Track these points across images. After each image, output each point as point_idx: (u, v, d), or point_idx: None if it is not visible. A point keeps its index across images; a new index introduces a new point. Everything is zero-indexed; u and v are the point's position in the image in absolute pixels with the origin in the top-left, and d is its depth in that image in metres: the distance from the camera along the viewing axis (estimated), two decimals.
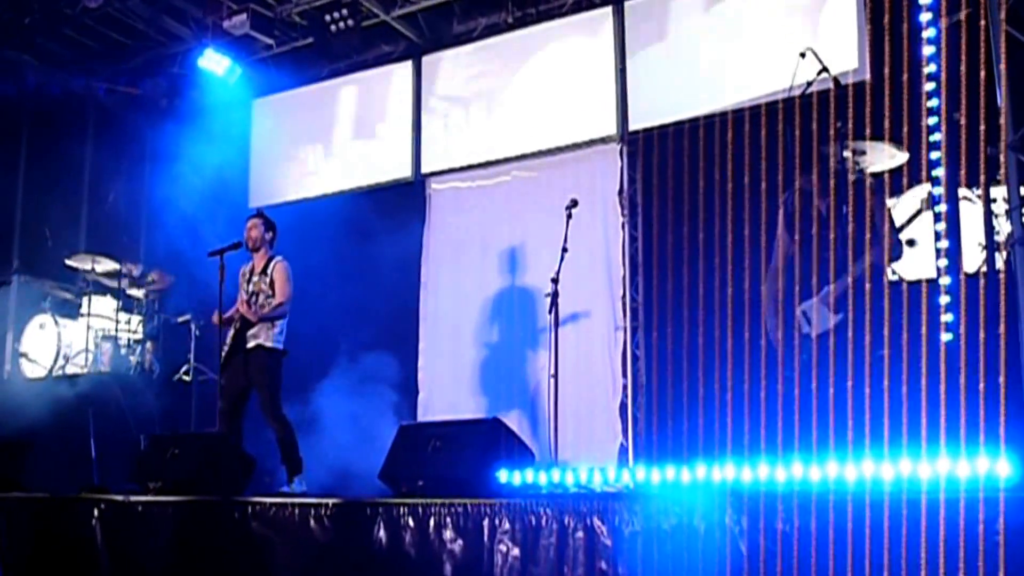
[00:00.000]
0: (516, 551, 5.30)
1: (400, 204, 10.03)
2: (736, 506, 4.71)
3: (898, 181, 6.56)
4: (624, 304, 8.42)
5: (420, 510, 5.72)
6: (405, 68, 10.19)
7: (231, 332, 7.79)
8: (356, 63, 10.64)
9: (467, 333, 9.29)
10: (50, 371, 10.37)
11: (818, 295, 5.65)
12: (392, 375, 9.24)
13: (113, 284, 10.74)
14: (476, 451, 6.26)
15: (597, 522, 5.09)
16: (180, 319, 10.34)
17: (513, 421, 7.14)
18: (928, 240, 5.95)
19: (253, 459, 7.40)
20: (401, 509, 5.79)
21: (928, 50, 5.71)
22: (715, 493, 4.83)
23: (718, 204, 5.69)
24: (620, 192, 8.65)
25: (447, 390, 9.26)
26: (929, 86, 5.67)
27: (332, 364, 9.25)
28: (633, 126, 8.71)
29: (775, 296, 5.83)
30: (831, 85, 6.10)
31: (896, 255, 5.92)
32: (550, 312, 7.07)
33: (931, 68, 5.66)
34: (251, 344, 7.69)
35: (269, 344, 7.69)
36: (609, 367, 8.42)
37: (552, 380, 6.92)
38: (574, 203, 7.35)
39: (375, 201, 10.14)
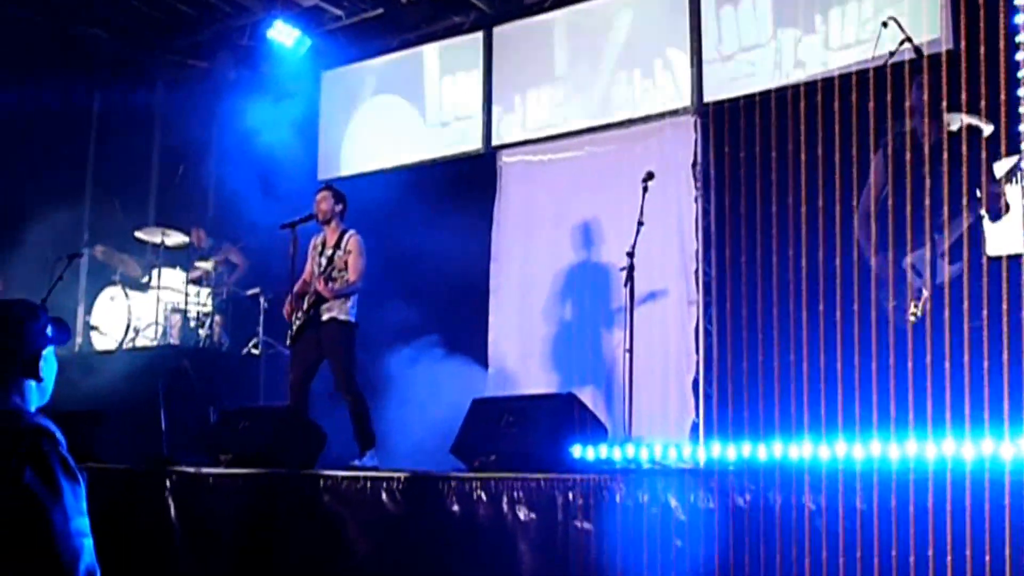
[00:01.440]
0: (589, 527, 5.36)
1: (471, 177, 10.08)
2: (814, 484, 4.73)
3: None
4: (697, 278, 8.42)
5: (493, 485, 5.79)
6: (475, 39, 10.22)
7: (306, 304, 7.91)
8: (425, 34, 10.68)
9: (538, 308, 9.33)
10: (120, 344, 10.57)
11: (925, 247, 5.56)
12: (462, 350, 9.32)
13: (182, 257, 10.94)
14: (550, 426, 6.33)
15: (672, 499, 5.14)
16: (249, 292, 10.49)
17: (586, 397, 7.18)
18: (1013, 215, 5.87)
19: (324, 432, 7.52)
20: (474, 484, 5.87)
21: (1021, 19, 5.64)
22: (792, 470, 4.85)
23: (792, 177, 5.67)
24: (694, 165, 8.63)
25: (517, 365, 9.32)
26: (1021, 56, 5.61)
27: (402, 338, 9.34)
28: (708, 98, 8.68)
29: (864, 246, 5.78)
30: (913, 55, 6.05)
31: (995, 215, 5.76)
32: (626, 286, 7.10)
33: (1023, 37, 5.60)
34: (325, 317, 7.81)
35: (343, 317, 7.80)
36: (682, 342, 8.43)
37: (627, 355, 6.95)
38: (650, 175, 7.36)
39: (445, 174, 10.20)
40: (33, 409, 3.00)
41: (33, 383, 3.00)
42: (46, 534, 2.72)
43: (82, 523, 2.82)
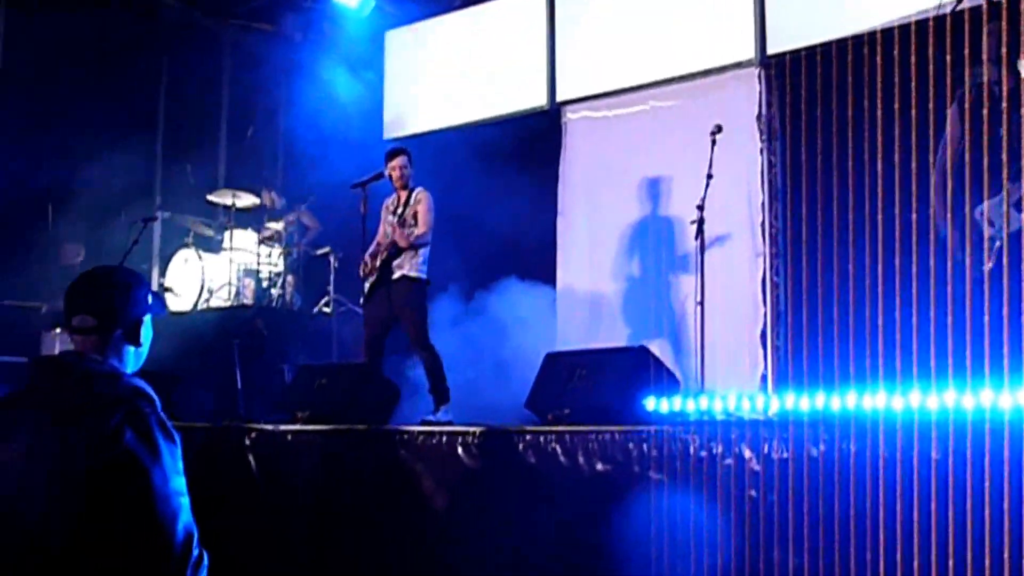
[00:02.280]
0: (665, 478, 5.38)
1: (535, 134, 10.04)
2: (888, 434, 4.72)
3: None
4: (763, 231, 8.37)
5: (568, 438, 5.83)
6: None
7: (378, 262, 7.99)
8: None
9: (606, 262, 9.32)
10: (195, 305, 10.72)
11: (997, 196, 5.49)
12: (530, 305, 9.33)
13: (253, 219, 11.06)
14: (623, 379, 6.36)
15: (746, 449, 5.15)
16: (319, 252, 10.59)
17: (655, 350, 7.17)
18: None
19: (398, 388, 7.61)
20: (549, 437, 5.91)
21: None
22: (866, 421, 4.84)
23: (858, 128, 5.61)
24: (759, 117, 8.56)
25: (586, 319, 9.32)
26: None
27: (470, 294, 9.39)
28: (772, 50, 8.58)
29: (942, 199, 5.71)
30: (984, 1, 5.94)
31: None
32: (696, 239, 7.09)
33: None
34: (396, 275, 7.89)
35: (413, 274, 7.87)
36: (750, 295, 8.40)
37: (699, 308, 6.94)
38: (719, 128, 7.32)
39: (510, 130, 10.17)
40: (129, 371, 3.08)
41: (132, 348, 3.08)
42: (146, 494, 2.79)
43: (179, 483, 2.90)
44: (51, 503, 2.79)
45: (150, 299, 3.13)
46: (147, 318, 3.11)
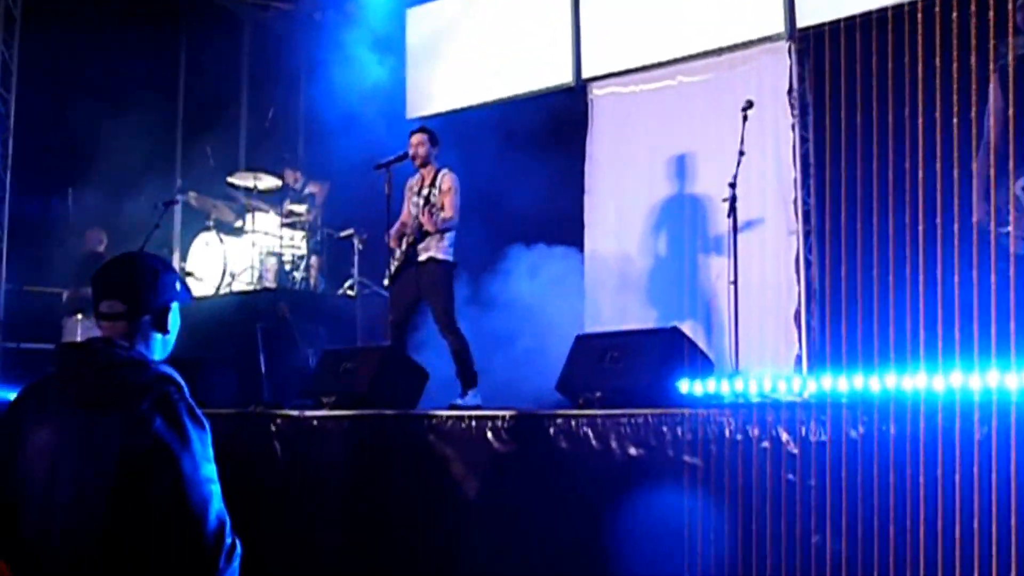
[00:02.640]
0: (699, 462, 5.34)
1: (561, 111, 9.98)
2: (929, 415, 4.66)
3: None
4: (796, 208, 8.30)
5: (600, 422, 5.80)
6: None
7: (404, 244, 7.97)
8: None
9: (634, 241, 9.28)
10: (217, 289, 10.72)
11: None
12: (558, 286, 9.29)
13: (275, 201, 11.04)
14: (655, 361, 6.32)
15: (783, 432, 5.10)
16: (343, 234, 10.57)
17: (687, 330, 7.13)
18: None
19: (425, 372, 7.59)
20: (580, 421, 5.88)
21: None
22: (907, 402, 4.78)
23: (890, 101, 5.54)
24: (789, 92, 8.47)
25: (615, 300, 9.27)
26: None
27: (497, 276, 9.37)
28: (802, 23, 8.49)
29: (986, 174, 5.63)
30: None
31: None
32: (729, 217, 7.03)
33: None
34: (423, 257, 7.87)
35: (440, 256, 7.86)
36: (783, 273, 8.34)
37: (732, 287, 6.90)
38: (750, 104, 7.26)
39: (535, 108, 10.11)
40: (157, 358, 3.06)
41: (159, 335, 3.06)
42: (177, 481, 2.78)
43: (210, 470, 2.88)
44: (81, 492, 2.78)
45: (178, 286, 3.11)
46: (175, 305, 3.10)
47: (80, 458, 2.80)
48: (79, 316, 10.41)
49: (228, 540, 2.85)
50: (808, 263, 8.15)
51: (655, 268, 9.12)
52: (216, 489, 2.87)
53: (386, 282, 8.09)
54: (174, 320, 3.10)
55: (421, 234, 7.90)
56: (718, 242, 8.41)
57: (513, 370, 8.61)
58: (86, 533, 2.77)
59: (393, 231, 8.09)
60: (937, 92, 5.06)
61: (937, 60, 5.11)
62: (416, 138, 8.14)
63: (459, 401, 7.55)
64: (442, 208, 7.90)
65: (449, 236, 7.92)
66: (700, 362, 6.34)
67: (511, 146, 9.80)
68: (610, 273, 9.42)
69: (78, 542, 2.77)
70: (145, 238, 9.44)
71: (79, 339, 9.97)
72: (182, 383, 2.92)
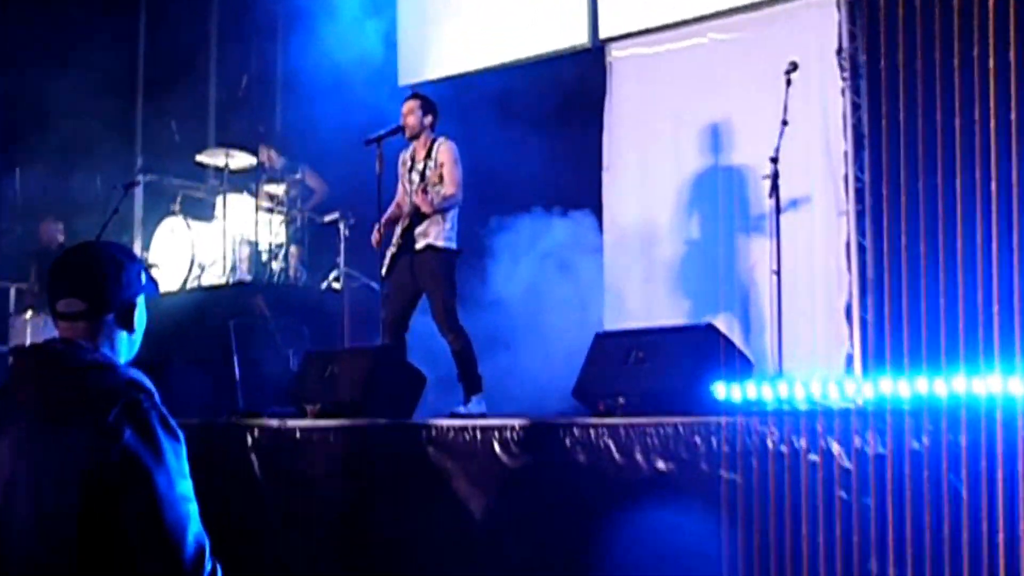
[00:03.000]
0: (738, 478, 5.32)
1: (576, 75, 9.96)
2: (1006, 423, 4.65)
3: None
4: (846, 185, 8.28)
5: (623, 431, 5.78)
6: None
7: (397, 231, 7.96)
8: None
9: (661, 224, 9.25)
10: (184, 283, 10.72)
11: None
12: (573, 276, 9.29)
13: (250, 181, 11.04)
14: (687, 362, 6.31)
15: (834, 443, 5.08)
16: (327, 219, 10.56)
17: (721, 326, 7.12)
18: None
19: (423, 376, 7.59)
20: (601, 431, 5.86)
21: None
22: (978, 407, 4.77)
23: (958, 64, 5.51)
24: (839, 52, 8.44)
25: (638, 292, 9.26)
26: None
27: (503, 265, 9.35)
28: None
29: None
30: None
31: None
32: (771, 196, 7.01)
33: None
34: (420, 244, 7.85)
35: (440, 243, 7.84)
36: (831, 260, 8.32)
37: (775, 277, 6.88)
38: (794, 66, 7.23)
39: (545, 73, 10.09)
40: (123, 360, 3.06)
41: (125, 334, 3.06)
42: (151, 500, 2.77)
43: (187, 487, 2.88)
44: (42, 515, 2.77)
45: (143, 277, 3.11)
46: (141, 299, 3.10)
47: (40, 477, 2.79)
48: (28, 314, 10.43)
49: (208, 566, 2.85)
50: (861, 248, 8.12)
51: (685, 255, 9.09)
52: (194, 509, 2.87)
53: (383, 272, 8.06)
54: (140, 316, 3.10)
55: (418, 217, 7.88)
56: (758, 225, 8.37)
57: (522, 373, 8.61)
58: (49, 562, 2.76)
59: (386, 216, 8.08)
60: (1012, 49, 5.04)
61: (1012, 9, 5.08)
62: (407, 106, 8.13)
63: (462, 409, 7.54)
64: (439, 183, 7.86)
65: (450, 217, 7.89)
66: (738, 363, 6.32)
67: (518, 118, 9.77)
68: (633, 261, 9.40)
69: (43, 567, 2.77)
70: (102, 225, 9.43)
71: (29, 340, 9.99)
72: (153, 389, 2.91)
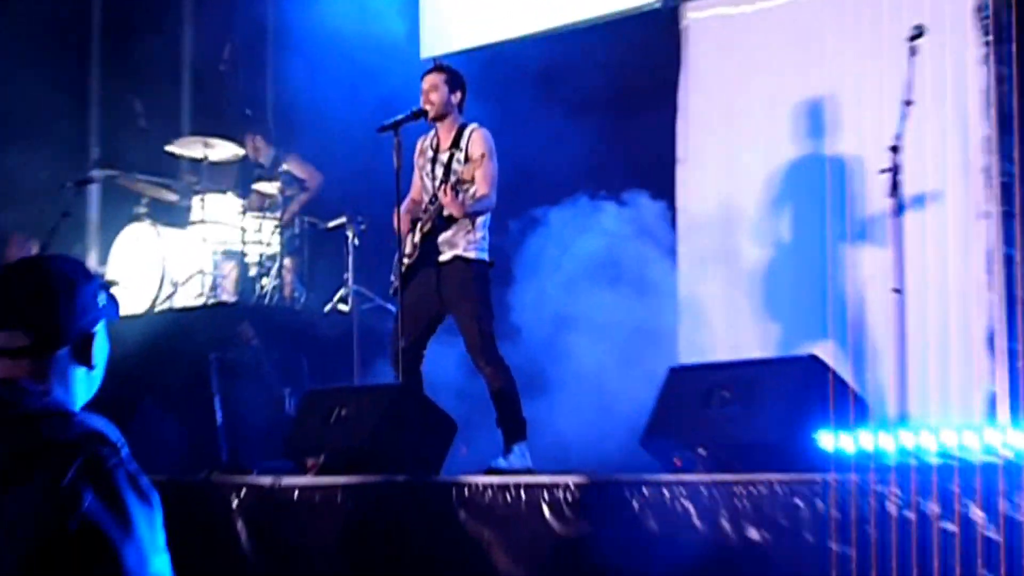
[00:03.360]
0: (852, 551, 5.32)
1: (640, 43, 9.99)
2: None
3: None
4: (989, 179, 8.24)
5: (706, 491, 5.79)
6: None
7: (414, 238, 7.96)
8: None
9: (749, 229, 9.24)
10: (152, 304, 10.75)
11: None
12: (637, 294, 9.27)
13: (234, 178, 11.08)
14: (784, 404, 6.33)
15: (975, 508, 5.07)
16: (331, 224, 10.59)
17: (828, 358, 7.07)
18: None
19: (452, 421, 7.60)
20: (677, 490, 5.87)
21: None
22: None
23: None
24: (979, 10, 8.42)
25: (722, 314, 9.24)
26: None
27: (550, 281, 9.36)
28: None
29: None
30: None
31: None
32: (890, 195, 6.98)
33: None
34: (445, 255, 7.88)
35: (471, 254, 7.87)
36: (968, 274, 8.28)
37: (895, 296, 6.85)
38: (919, 30, 7.19)
39: (603, 41, 10.11)
40: (80, 405, 3.06)
41: (82, 371, 3.05)
42: None
43: (161, 564, 2.86)
44: None
45: (102, 299, 3.10)
46: (100, 327, 3.09)
47: None
48: None
49: None
50: (1008, 259, 8.08)
51: (780, 268, 9.08)
52: None
53: (394, 286, 8.06)
54: (101, 348, 3.09)
55: (442, 221, 7.88)
56: (873, 230, 8.36)
57: (574, 415, 8.61)
58: None
59: (402, 210, 8.07)
60: None
61: None
62: (429, 80, 8.13)
63: (502, 462, 7.54)
64: (470, 181, 7.86)
65: (482, 223, 7.90)
66: (850, 405, 6.31)
67: (566, 98, 9.80)
68: (715, 275, 9.40)
69: None
70: (49, 233, 9.49)
71: None
72: (119, 441, 2.91)
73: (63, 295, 3.01)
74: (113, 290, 3.25)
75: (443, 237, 7.91)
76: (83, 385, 3.07)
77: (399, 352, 7.92)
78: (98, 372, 3.09)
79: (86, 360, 3.05)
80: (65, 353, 3.01)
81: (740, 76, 9.53)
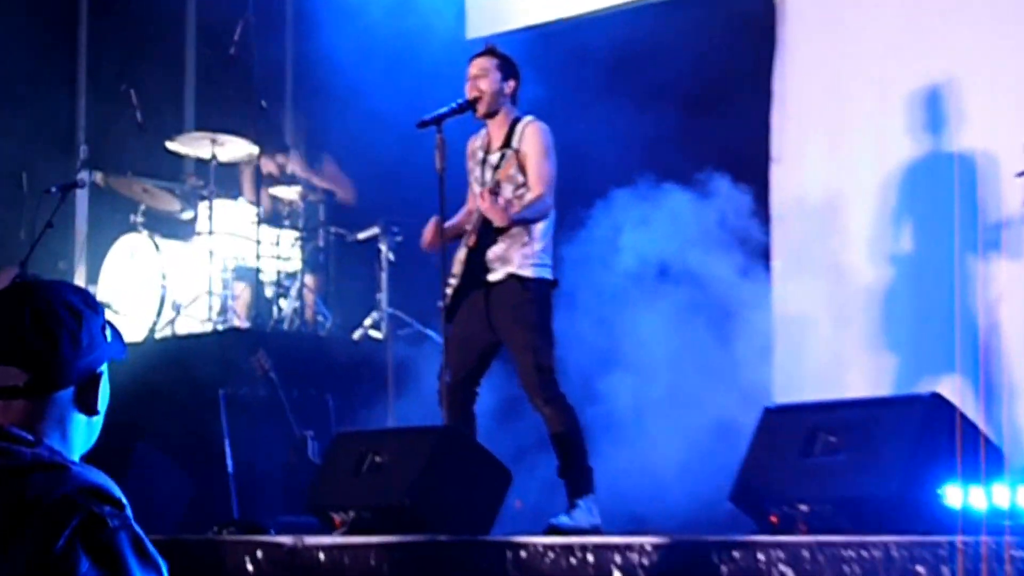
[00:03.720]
0: None
1: (728, 21, 10.03)
2: None
3: None
4: None
5: (807, 555, 5.76)
6: None
7: (461, 253, 7.97)
8: None
9: (854, 238, 9.22)
10: (151, 331, 10.82)
11: None
12: (721, 316, 9.27)
13: (247, 180, 11.14)
14: (902, 451, 6.30)
15: None
16: (361, 235, 10.62)
17: (952, 395, 7.04)
18: None
19: (507, 470, 7.60)
20: (774, 554, 5.85)
21: None
22: None
23: None
24: None
25: (825, 342, 9.22)
26: None
27: (620, 302, 9.39)
28: None
29: None
30: None
31: None
32: None
33: None
34: (497, 273, 7.87)
35: (527, 271, 7.84)
36: None
37: None
38: None
39: (683, 18, 10.14)
40: (77, 457, 3.07)
41: (82, 418, 3.07)
42: None
43: None
44: None
45: (108, 333, 3.11)
46: (104, 367, 3.10)
47: None
48: None
49: None
50: None
51: (895, 286, 9.05)
52: None
53: (444, 312, 8.04)
54: (104, 391, 3.11)
55: (490, 232, 7.86)
56: (1009, 242, 8.34)
57: (647, 462, 8.61)
58: None
59: (452, 223, 8.06)
60: None
61: None
62: (478, 65, 8.09)
63: (565, 520, 7.51)
64: (524, 184, 7.86)
65: (541, 232, 7.86)
66: (980, 453, 6.28)
67: (638, 85, 9.81)
68: (815, 295, 9.39)
69: None
70: (30, 246, 9.55)
71: None
72: (122, 498, 2.92)
73: (66, 328, 3.01)
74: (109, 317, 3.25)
75: (494, 252, 7.86)
76: (82, 433, 3.08)
77: (446, 390, 7.93)
78: (99, 420, 3.11)
79: (89, 404, 3.05)
80: (66, 396, 3.03)
81: (847, 59, 9.52)
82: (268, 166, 11.21)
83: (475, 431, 7.98)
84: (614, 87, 9.86)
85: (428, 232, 8.08)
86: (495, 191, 7.75)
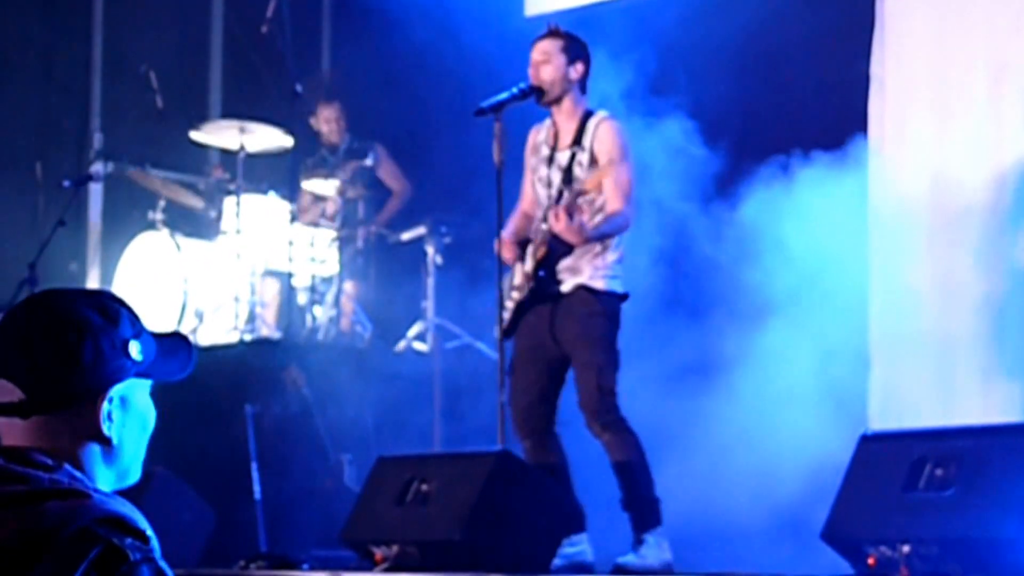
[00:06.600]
0: None
1: (821, 6, 10.00)
2: None
3: None
4: None
5: None
6: None
7: (525, 265, 7.95)
8: None
9: (964, 244, 9.17)
10: None
11: None
12: (817, 331, 9.22)
13: (280, 173, 11.15)
14: (1020, 486, 6.22)
15: None
16: (405, 235, 10.64)
17: None
18: None
19: (578, 505, 7.58)
20: None
21: None
22: None
23: None
24: None
25: (927, 360, 9.19)
26: None
27: (695, 318, 9.41)
28: None
29: None
30: None
31: None
32: None
33: None
34: (567, 285, 7.88)
35: (599, 283, 7.87)
36: None
37: None
38: None
39: (772, 3, 10.12)
40: (106, 488, 3.04)
41: (95, 446, 3.04)
42: None
43: None
44: None
45: (137, 349, 3.06)
46: (128, 387, 3.05)
47: None
48: None
49: None
50: None
51: (1012, 299, 8.99)
52: None
53: (503, 328, 8.04)
54: (135, 418, 3.06)
55: (559, 243, 7.83)
56: None
57: (730, 492, 8.62)
58: None
59: (507, 232, 8.06)
60: None
61: None
62: (541, 48, 8.09)
63: (632, 558, 7.53)
64: (597, 192, 7.83)
65: (616, 242, 7.89)
66: None
67: (718, 68, 9.81)
68: (919, 310, 9.34)
69: None
70: (41, 245, 9.58)
71: None
72: (147, 530, 2.90)
73: (71, 339, 2.97)
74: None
75: (564, 263, 7.88)
76: (98, 462, 3.04)
77: (517, 415, 7.96)
78: (129, 449, 3.06)
79: (93, 430, 3.02)
80: (73, 417, 3.00)
81: (954, 38, 9.48)
82: (321, 120, 11.21)
83: (563, 457, 7.98)
84: (690, 68, 9.82)
85: (506, 251, 8.04)
86: (571, 210, 7.71)
